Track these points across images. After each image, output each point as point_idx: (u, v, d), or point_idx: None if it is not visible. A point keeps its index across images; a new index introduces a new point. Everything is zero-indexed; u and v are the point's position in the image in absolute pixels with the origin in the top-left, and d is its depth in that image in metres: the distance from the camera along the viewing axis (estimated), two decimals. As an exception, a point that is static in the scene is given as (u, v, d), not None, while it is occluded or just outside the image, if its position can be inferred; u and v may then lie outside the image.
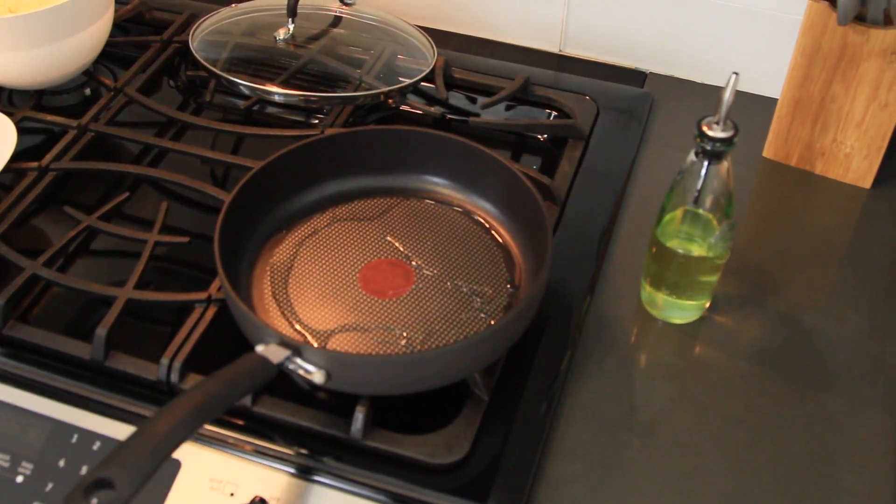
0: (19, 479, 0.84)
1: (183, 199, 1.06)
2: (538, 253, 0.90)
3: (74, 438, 0.85)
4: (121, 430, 0.85)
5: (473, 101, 1.20)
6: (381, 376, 0.80)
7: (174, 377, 0.86)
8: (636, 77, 1.24)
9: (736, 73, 0.80)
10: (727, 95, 0.81)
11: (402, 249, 0.94)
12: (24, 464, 0.85)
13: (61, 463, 0.84)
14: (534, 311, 0.86)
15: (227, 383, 0.73)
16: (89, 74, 1.20)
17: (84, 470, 0.84)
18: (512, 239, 0.96)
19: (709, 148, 0.83)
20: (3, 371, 0.90)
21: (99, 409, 0.87)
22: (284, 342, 0.78)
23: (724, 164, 0.84)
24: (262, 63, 1.16)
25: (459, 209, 0.99)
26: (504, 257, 0.94)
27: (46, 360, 0.90)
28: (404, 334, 0.87)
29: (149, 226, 1.02)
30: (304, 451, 0.83)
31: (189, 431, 0.69)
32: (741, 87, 0.80)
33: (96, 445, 0.85)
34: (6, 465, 0.85)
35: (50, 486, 0.84)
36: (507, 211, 0.97)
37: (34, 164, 1.05)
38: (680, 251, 0.90)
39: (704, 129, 0.83)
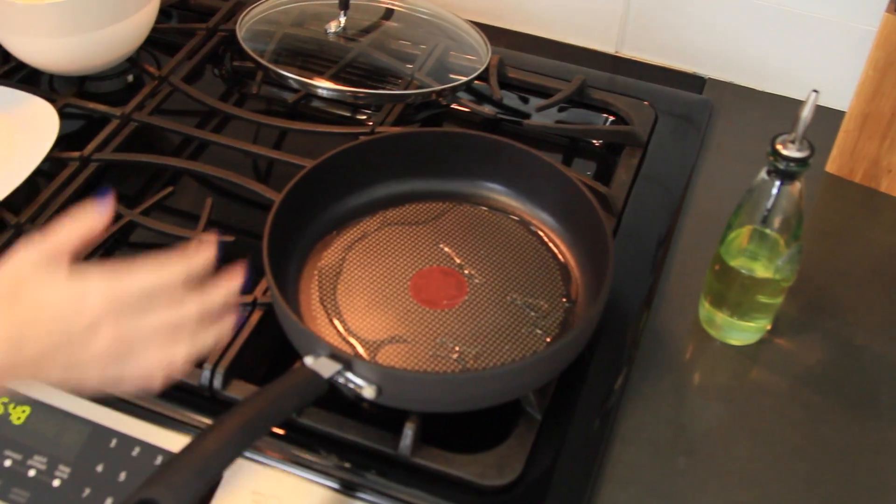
0: (56, 482, 0.82)
1: (227, 194, 1.03)
2: (596, 268, 0.87)
3: (113, 443, 0.83)
4: (160, 436, 0.83)
5: (525, 101, 1.16)
6: (434, 393, 0.77)
7: (217, 383, 0.83)
8: (694, 82, 1.20)
9: (816, 91, 0.76)
10: (805, 113, 0.77)
11: (454, 258, 0.91)
12: (62, 467, 0.83)
13: (99, 468, 0.82)
14: (592, 332, 0.83)
15: (277, 399, 0.70)
16: (132, 61, 1.17)
17: (122, 476, 0.81)
18: (569, 251, 0.92)
19: (782, 167, 0.79)
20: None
21: (138, 413, 0.84)
22: (335, 355, 0.75)
23: (797, 185, 0.81)
24: (311, 55, 1.13)
25: (515, 217, 0.95)
26: (560, 270, 0.91)
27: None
28: (456, 348, 0.84)
29: (192, 220, 0.99)
30: (349, 465, 0.80)
31: (238, 450, 0.66)
32: (805, 97, 0.76)
33: (135, 451, 0.82)
34: (43, 468, 0.83)
35: (87, 491, 0.81)
36: (565, 222, 0.93)
37: (76, 154, 1.03)
38: (744, 271, 0.86)
39: (779, 147, 0.79)
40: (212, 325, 0.72)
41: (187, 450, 0.64)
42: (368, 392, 0.75)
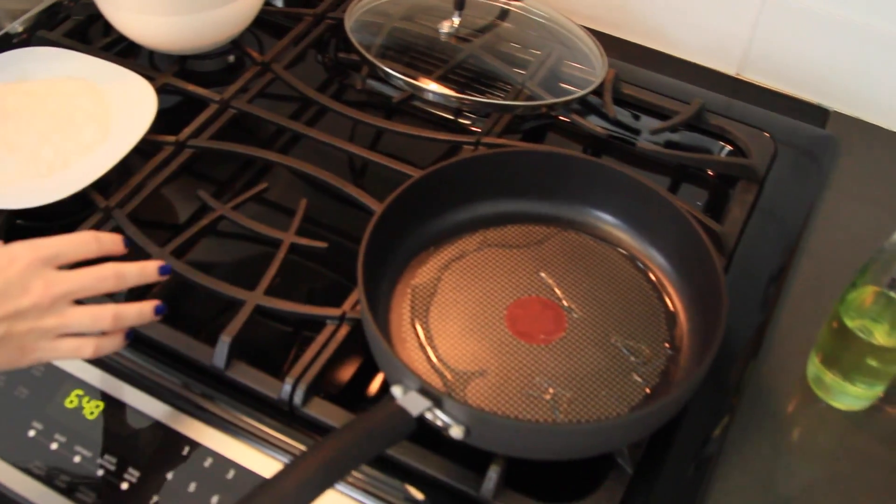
0: (124, 485, 0.79)
1: (321, 191, 0.99)
2: (705, 315, 0.81)
3: (185, 451, 0.80)
4: (235, 448, 0.80)
5: (637, 118, 1.10)
6: (525, 440, 0.72)
7: (297, 399, 0.80)
8: (817, 114, 1.13)
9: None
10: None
11: (554, 288, 0.87)
12: (131, 470, 0.80)
13: (169, 476, 0.79)
14: (695, 390, 0.77)
15: (362, 438, 0.67)
16: (235, 42, 1.13)
17: (192, 487, 0.78)
18: (676, 293, 0.87)
19: (924, 233, 0.73)
20: (118, 363, 0.84)
21: (214, 422, 0.81)
22: (425, 390, 0.71)
23: (936, 252, 0.75)
24: (419, 52, 1.08)
25: (622, 250, 0.90)
26: (665, 312, 0.86)
27: (164, 357, 0.85)
28: (550, 389, 0.79)
29: (284, 213, 0.96)
30: (425, 500, 0.76)
31: (317, 491, 0.63)
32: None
33: (208, 462, 0.79)
34: (112, 468, 0.80)
35: (155, 499, 0.78)
36: (675, 261, 0.88)
37: (171, 139, 1.00)
38: (863, 335, 0.80)
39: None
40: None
41: (265, 490, 0.61)
42: (456, 431, 0.71)
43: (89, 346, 0.77)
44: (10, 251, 0.73)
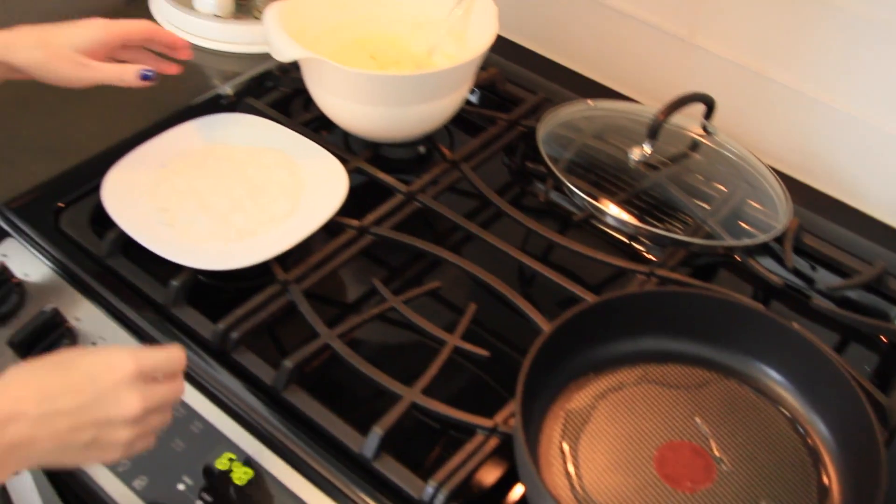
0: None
1: (489, 294, 1.00)
2: (859, 498, 0.79)
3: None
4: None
5: (814, 268, 1.09)
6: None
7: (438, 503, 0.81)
8: None
9: None
10: None
11: (708, 437, 0.86)
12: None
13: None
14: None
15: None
16: (428, 135, 1.17)
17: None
18: (833, 465, 0.85)
19: None
20: (273, 437, 0.87)
21: (353, 508, 0.83)
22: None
23: None
24: (605, 173, 1.10)
25: (782, 409, 0.89)
26: (818, 484, 0.83)
27: (314, 434, 0.87)
28: (690, 541, 0.78)
29: (449, 309, 0.98)
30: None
31: None
32: None
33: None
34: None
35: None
36: (837, 431, 0.86)
37: (355, 223, 1.03)
38: None
39: None
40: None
41: None
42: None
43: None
44: (110, 358, 0.75)
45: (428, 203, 1.07)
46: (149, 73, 0.99)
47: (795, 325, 0.88)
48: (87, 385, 0.72)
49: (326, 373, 0.94)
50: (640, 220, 1.05)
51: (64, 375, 0.73)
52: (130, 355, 0.75)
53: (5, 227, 1.06)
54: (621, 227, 1.06)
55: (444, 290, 1.02)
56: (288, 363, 0.89)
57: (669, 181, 1.10)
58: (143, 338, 0.95)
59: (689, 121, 1.16)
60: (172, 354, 0.78)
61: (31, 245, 1.04)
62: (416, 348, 0.98)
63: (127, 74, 0.99)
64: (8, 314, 1.00)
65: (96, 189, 1.05)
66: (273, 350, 0.98)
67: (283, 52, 1.04)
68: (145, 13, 1.43)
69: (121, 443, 0.74)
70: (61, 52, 0.96)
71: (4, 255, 1.04)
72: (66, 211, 1.07)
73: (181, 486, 0.87)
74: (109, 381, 0.73)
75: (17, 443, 0.69)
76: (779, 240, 1.07)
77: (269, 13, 1.08)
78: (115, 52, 1.02)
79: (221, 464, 0.87)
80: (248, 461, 0.87)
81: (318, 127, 1.19)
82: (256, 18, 1.39)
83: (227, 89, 1.25)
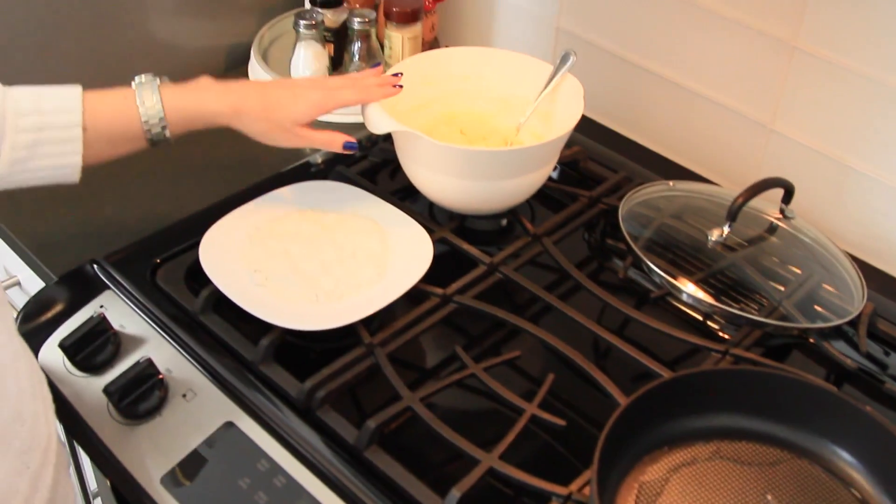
0: None
1: (566, 364, 1.03)
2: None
3: None
4: None
5: (888, 354, 1.10)
6: None
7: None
8: None
9: None
10: None
11: (779, 515, 0.87)
12: None
13: None
14: None
15: None
16: (512, 209, 1.21)
17: None
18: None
19: None
20: (354, 495, 0.90)
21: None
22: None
23: None
24: (683, 252, 1.12)
25: (854, 492, 0.90)
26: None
27: (394, 495, 0.90)
28: None
29: (524, 378, 1.01)
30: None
31: None
32: None
33: None
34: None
35: None
36: (909, 517, 0.87)
37: (439, 291, 1.07)
38: None
39: None
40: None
41: None
42: None
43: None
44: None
45: (509, 274, 1.11)
46: (353, 144, 1.11)
47: (868, 408, 0.90)
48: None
49: (406, 434, 0.97)
50: (716, 299, 1.07)
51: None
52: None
53: (105, 279, 1.12)
54: (697, 305, 1.08)
55: (521, 360, 1.05)
56: (371, 423, 0.92)
57: (746, 262, 1.12)
58: (232, 392, 0.99)
59: (767, 204, 1.18)
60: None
61: (129, 298, 1.09)
62: (491, 415, 1.01)
63: (335, 145, 1.11)
64: (104, 363, 1.05)
65: (192, 247, 1.10)
66: (354, 410, 1.01)
67: (379, 125, 1.09)
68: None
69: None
70: (282, 125, 1.07)
71: (103, 307, 1.09)
72: (163, 267, 1.12)
73: (261, 539, 0.90)
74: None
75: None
76: (853, 324, 1.08)
77: (366, 87, 1.13)
78: None
79: (302, 518, 0.90)
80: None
81: (405, 196, 1.24)
82: (349, 90, 1.45)
83: (318, 158, 1.30)
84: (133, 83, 1.03)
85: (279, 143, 1.09)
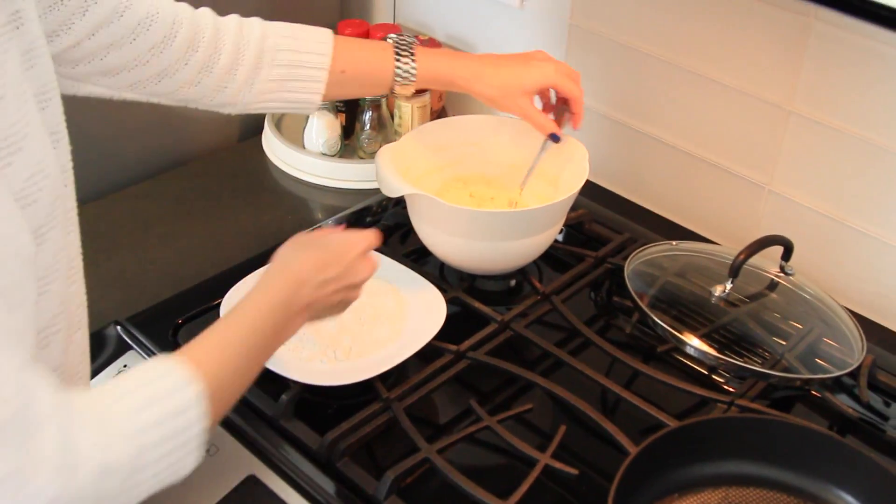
0: None
1: (576, 418, 1.07)
2: None
3: None
4: None
5: (888, 405, 1.13)
6: None
7: None
8: None
9: None
10: None
11: (788, 559, 0.90)
12: None
13: None
14: None
15: None
16: (521, 269, 1.25)
17: None
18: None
19: None
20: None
21: None
22: None
23: None
24: (687, 308, 1.16)
25: (860, 535, 0.93)
26: None
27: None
28: None
29: (535, 433, 1.04)
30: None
31: None
32: None
33: None
34: None
35: None
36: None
37: (452, 347, 1.11)
38: None
39: None
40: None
41: None
42: None
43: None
44: (348, 237, 0.96)
45: (520, 331, 1.15)
46: (557, 138, 1.21)
47: (872, 456, 0.93)
48: (342, 258, 0.93)
49: (424, 486, 1.00)
50: (721, 352, 1.11)
51: (324, 251, 0.93)
52: (361, 236, 0.96)
53: (128, 339, 1.15)
54: (703, 358, 1.12)
55: (532, 413, 1.08)
56: (390, 474, 0.95)
57: (748, 318, 1.16)
58: (254, 446, 1.02)
59: (767, 262, 1.22)
60: (378, 234, 1.00)
61: (150, 357, 1.12)
62: (505, 466, 1.04)
63: (544, 129, 1.20)
64: (128, 422, 1.07)
65: (212, 308, 1.14)
66: (372, 463, 1.04)
67: (393, 189, 1.14)
68: (258, 149, 1.55)
69: (352, 300, 0.97)
70: (511, 91, 1.17)
71: (126, 366, 1.13)
72: (184, 326, 1.16)
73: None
74: (353, 255, 0.94)
75: (306, 303, 0.89)
76: (853, 375, 1.12)
77: (382, 155, 1.19)
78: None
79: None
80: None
81: (416, 258, 1.28)
82: (361, 158, 1.50)
83: (330, 223, 1.34)
84: (389, 39, 1.16)
85: (498, 106, 1.18)
